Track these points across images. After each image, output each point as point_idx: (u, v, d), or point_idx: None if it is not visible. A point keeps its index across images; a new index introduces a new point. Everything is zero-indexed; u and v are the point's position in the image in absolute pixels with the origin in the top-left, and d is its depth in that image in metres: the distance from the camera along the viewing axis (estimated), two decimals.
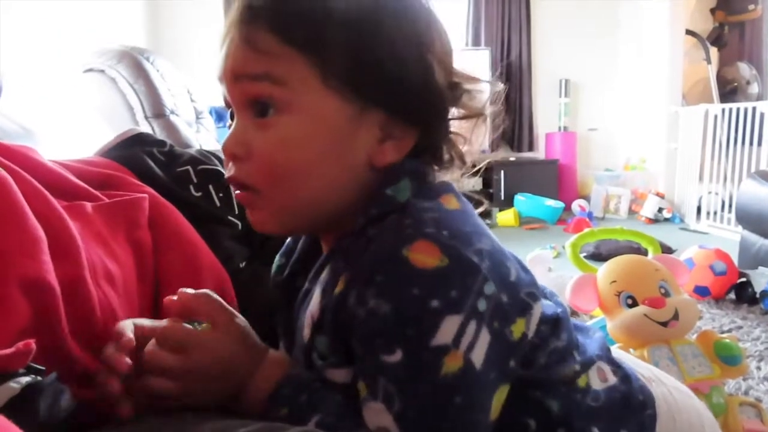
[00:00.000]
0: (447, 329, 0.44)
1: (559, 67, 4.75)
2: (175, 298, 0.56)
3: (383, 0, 0.50)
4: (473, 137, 0.56)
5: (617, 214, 4.22)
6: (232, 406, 0.53)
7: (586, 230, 1.59)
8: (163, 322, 0.54)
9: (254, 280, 0.80)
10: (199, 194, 0.85)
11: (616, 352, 0.66)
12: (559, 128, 4.76)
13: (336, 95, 0.49)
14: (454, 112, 0.55)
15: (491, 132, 0.59)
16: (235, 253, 0.83)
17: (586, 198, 4.29)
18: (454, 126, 0.56)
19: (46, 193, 0.59)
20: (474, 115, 0.55)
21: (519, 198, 4.06)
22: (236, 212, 0.88)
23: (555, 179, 4.46)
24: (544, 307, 0.53)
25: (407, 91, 0.50)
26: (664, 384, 0.66)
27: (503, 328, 0.47)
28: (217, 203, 0.86)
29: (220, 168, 0.90)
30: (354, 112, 0.49)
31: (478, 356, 0.45)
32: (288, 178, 0.50)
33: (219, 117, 3.66)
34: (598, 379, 0.57)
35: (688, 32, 4.36)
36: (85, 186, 0.70)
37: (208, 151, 0.96)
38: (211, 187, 0.87)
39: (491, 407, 0.47)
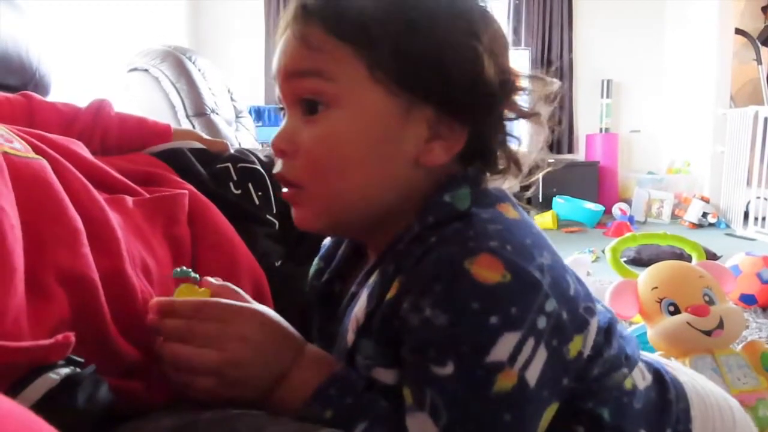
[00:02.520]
0: (503, 347, 0.43)
1: (602, 67, 4.66)
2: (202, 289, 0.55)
3: None
4: (530, 140, 0.55)
5: (659, 218, 4.12)
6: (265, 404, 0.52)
7: (628, 234, 1.56)
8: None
9: (289, 278, 0.81)
10: (239, 192, 0.86)
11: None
12: (601, 129, 4.67)
13: (383, 90, 0.48)
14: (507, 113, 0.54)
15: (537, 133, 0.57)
16: (272, 252, 0.83)
17: (627, 201, 4.20)
18: (509, 129, 0.54)
19: (88, 184, 0.60)
20: (528, 115, 0.53)
21: (558, 200, 4.00)
22: (274, 211, 0.88)
23: (595, 182, 4.37)
24: (599, 315, 0.51)
25: (455, 85, 0.49)
26: (686, 373, 0.65)
27: (561, 347, 0.46)
28: (256, 201, 0.87)
29: (259, 167, 0.91)
30: (401, 107, 0.49)
31: (532, 374, 0.44)
32: (331, 173, 0.50)
33: (258, 116, 3.71)
34: (641, 378, 0.56)
35: (738, 31, 4.22)
36: (127, 181, 0.71)
37: (248, 150, 0.97)
38: (250, 185, 0.88)
39: (539, 425, 0.46)
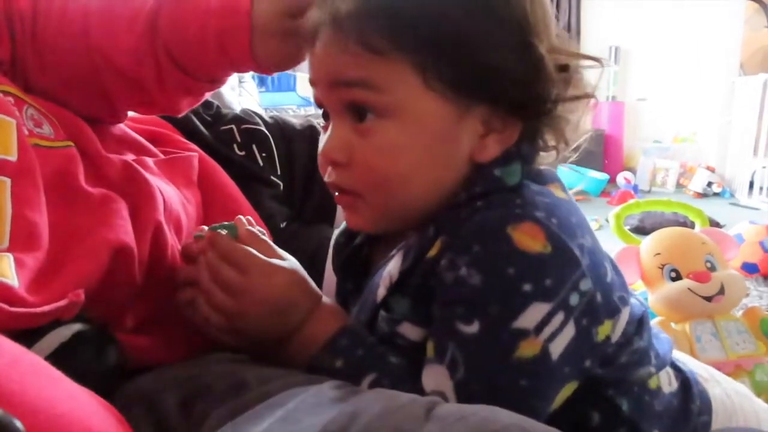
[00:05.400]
0: (532, 315, 0.44)
1: (609, 34, 4.59)
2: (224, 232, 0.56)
3: None
4: (579, 120, 0.53)
5: (664, 187, 4.11)
6: (276, 354, 0.53)
7: (631, 201, 1.56)
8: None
9: (294, 240, 0.81)
10: (243, 153, 0.87)
11: (677, 353, 0.65)
12: (607, 98, 4.62)
13: (437, 97, 0.47)
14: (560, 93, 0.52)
15: None
16: (277, 213, 0.84)
17: (633, 170, 4.19)
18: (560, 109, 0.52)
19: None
20: (583, 96, 0.52)
21: (562, 169, 3.98)
22: (278, 173, 0.89)
23: (600, 150, 4.35)
24: (633, 308, 0.52)
25: (513, 84, 0.48)
26: (721, 385, 0.64)
27: (590, 327, 0.47)
28: (260, 163, 0.87)
29: (263, 128, 0.91)
30: (457, 111, 0.48)
31: (557, 348, 0.45)
32: (391, 185, 0.49)
33: (261, 81, 3.68)
34: (667, 383, 0.57)
35: None
36: (145, 142, 0.71)
37: (252, 111, 0.96)
38: (254, 146, 0.88)
39: (554, 399, 0.47)
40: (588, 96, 0.52)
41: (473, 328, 0.44)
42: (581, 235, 0.47)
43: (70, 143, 0.57)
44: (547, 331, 0.44)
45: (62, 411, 0.30)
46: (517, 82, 0.47)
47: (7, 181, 0.48)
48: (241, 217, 0.57)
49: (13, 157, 0.49)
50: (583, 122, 0.53)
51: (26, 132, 0.52)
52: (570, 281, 0.45)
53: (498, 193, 0.48)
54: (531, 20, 0.48)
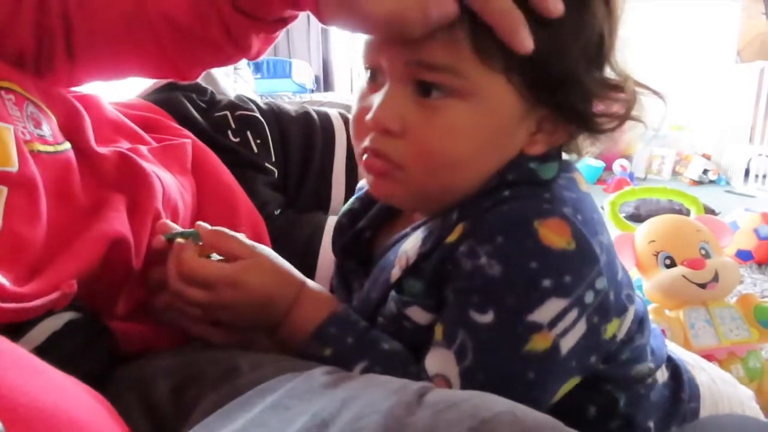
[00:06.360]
0: (548, 310, 0.44)
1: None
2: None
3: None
4: (620, 136, 0.53)
5: (660, 175, 4.11)
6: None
7: (627, 188, 1.56)
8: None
9: (288, 226, 0.81)
10: (237, 140, 0.86)
11: (666, 342, 0.65)
12: None
13: (514, 91, 0.46)
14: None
15: None
16: (271, 200, 0.83)
17: (629, 158, 4.18)
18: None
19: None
20: (636, 119, 0.51)
21: None
22: (273, 159, 0.88)
23: None
24: (636, 305, 0.52)
25: (582, 96, 0.48)
26: (707, 371, 0.65)
27: (600, 325, 0.47)
28: (255, 149, 0.86)
29: (258, 114, 0.90)
30: (525, 108, 0.48)
31: (567, 343, 0.45)
32: (444, 166, 0.48)
33: (257, 68, 3.66)
34: (660, 374, 0.57)
35: None
36: (139, 130, 0.71)
37: (246, 97, 0.96)
38: (249, 132, 0.87)
39: (557, 392, 0.47)
40: (639, 121, 0.51)
41: (487, 318, 0.44)
42: (600, 231, 0.48)
43: (68, 145, 0.56)
44: (561, 326, 0.44)
45: (44, 404, 0.30)
46: (586, 96, 0.48)
47: (4, 190, 0.47)
48: (200, 222, 0.56)
49: (14, 168, 0.48)
50: (619, 135, 0.53)
51: (27, 137, 0.51)
52: (588, 279, 0.45)
53: (528, 185, 0.48)
54: (607, 42, 0.48)
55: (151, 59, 0.62)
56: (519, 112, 0.48)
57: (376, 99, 0.48)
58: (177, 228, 0.56)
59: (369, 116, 0.48)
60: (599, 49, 0.48)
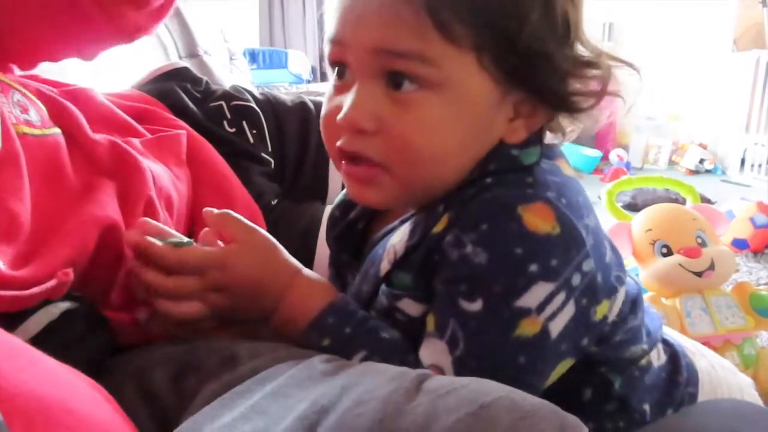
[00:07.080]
0: (535, 295, 0.44)
1: (602, 10, 4.55)
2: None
3: None
4: (601, 114, 0.52)
5: (656, 164, 4.11)
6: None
7: (624, 177, 1.56)
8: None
9: (285, 217, 0.81)
10: (233, 130, 0.86)
11: (666, 329, 0.65)
12: None
13: (488, 78, 0.46)
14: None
15: None
16: (267, 190, 0.83)
17: (625, 147, 4.18)
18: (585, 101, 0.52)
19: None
20: (612, 95, 0.51)
21: None
22: (269, 149, 0.88)
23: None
24: (627, 286, 0.52)
25: (556, 76, 0.47)
26: (707, 358, 0.65)
27: (589, 307, 0.47)
28: (251, 140, 0.86)
29: (253, 104, 0.90)
30: (500, 93, 0.47)
31: (556, 326, 0.45)
32: (426, 162, 0.47)
33: (253, 58, 3.64)
34: (656, 357, 0.57)
35: None
36: (132, 121, 0.71)
37: (242, 87, 0.95)
38: (244, 123, 0.87)
39: (550, 375, 0.47)
40: (617, 96, 0.51)
41: (476, 306, 0.44)
42: (586, 214, 0.47)
43: (57, 129, 0.56)
44: (549, 310, 0.44)
45: (41, 394, 0.30)
46: (560, 75, 0.47)
47: None
48: (208, 208, 0.56)
49: None
50: (599, 113, 0.52)
51: (13, 120, 0.51)
52: (575, 261, 0.45)
53: (512, 172, 0.48)
54: (572, 17, 0.48)
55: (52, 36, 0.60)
56: (494, 99, 0.47)
57: (347, 98, 0.47)
58: (168, 230, 0.55)
59: (341, 116, 0.47)
60: (566, 25, 0.47)
